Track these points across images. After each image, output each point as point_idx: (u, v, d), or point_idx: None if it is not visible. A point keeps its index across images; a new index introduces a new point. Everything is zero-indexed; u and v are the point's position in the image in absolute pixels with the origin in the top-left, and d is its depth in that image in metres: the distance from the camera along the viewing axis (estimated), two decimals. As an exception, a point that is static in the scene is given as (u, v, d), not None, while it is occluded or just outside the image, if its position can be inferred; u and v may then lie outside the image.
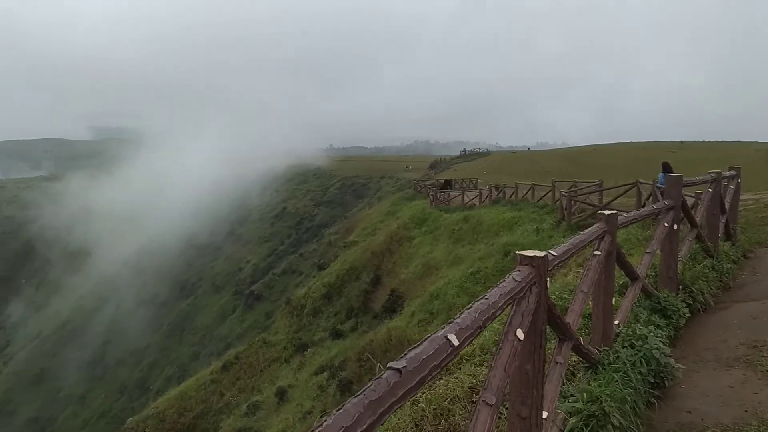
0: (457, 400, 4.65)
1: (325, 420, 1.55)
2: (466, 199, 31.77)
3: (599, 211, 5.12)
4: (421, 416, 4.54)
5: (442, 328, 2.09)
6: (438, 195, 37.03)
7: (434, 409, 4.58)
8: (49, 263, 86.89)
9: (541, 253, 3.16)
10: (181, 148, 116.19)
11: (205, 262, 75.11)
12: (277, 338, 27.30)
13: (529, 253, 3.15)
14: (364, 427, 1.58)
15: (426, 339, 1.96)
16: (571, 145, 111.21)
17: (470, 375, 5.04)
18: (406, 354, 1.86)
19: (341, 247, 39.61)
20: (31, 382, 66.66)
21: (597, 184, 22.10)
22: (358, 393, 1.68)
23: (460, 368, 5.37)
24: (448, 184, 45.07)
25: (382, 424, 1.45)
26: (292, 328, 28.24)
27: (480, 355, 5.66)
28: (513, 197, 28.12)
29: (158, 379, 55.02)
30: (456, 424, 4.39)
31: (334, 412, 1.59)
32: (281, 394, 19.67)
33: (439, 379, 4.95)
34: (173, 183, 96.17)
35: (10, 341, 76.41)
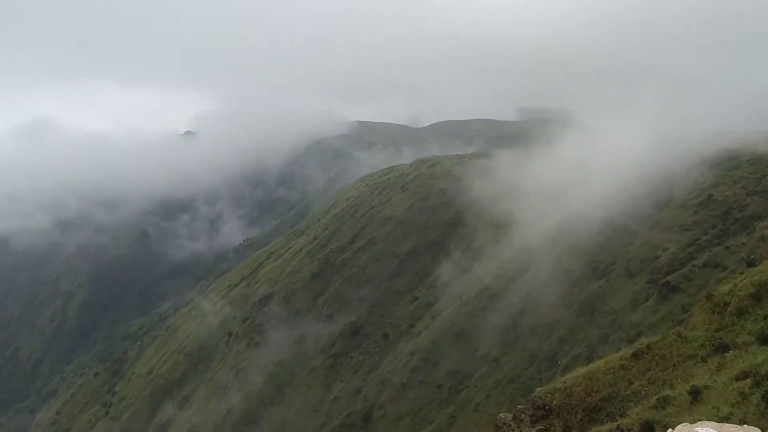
0: None
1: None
2: None
3: None
4: None
5: None
6: None
7: None
8: (475, 232, 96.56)
9: None
10: (607, 129, 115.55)
11: (619, 244, 74.08)
12: (694, 334, 25.74)
13: None
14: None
15: None
16: None
17: None
18: None
19: (781, 243, 34.93)
20: (453, 339, 75.59)
21: None
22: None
23: None
24: None
25: None
26: (712, 326, 26.23)
27: None
28: None
29: (566, 355, 56.96)
30: None
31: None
32: (695, 394, 18.72)
33: None
34: (596, 163, 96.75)
35: (438, 299, 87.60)
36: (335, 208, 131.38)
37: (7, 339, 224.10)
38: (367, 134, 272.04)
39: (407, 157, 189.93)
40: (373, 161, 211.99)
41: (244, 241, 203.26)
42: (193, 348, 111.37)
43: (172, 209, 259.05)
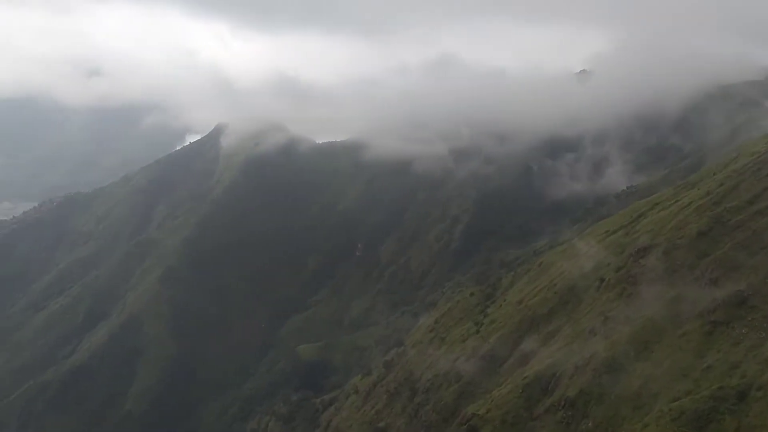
0: None
1: None
2: None
3: None
4: None
5: None
6: None
7: None
8: None
9: None
10: None
11: None
12: None
13: None
14: None
15: None
16: None
17: None
18: None
19: None
20: None
21: None
22: None
23: None
24: None
25: None
26: None
27: None
28: None
29: None
30: None
31: None
32: None
33: None
34: None
35: None
36: (735, 162, 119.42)
37: (401, 248, 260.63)
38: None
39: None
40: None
41: (627, 187, 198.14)
42: (563, 287, 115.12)
43: (557, 147, 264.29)
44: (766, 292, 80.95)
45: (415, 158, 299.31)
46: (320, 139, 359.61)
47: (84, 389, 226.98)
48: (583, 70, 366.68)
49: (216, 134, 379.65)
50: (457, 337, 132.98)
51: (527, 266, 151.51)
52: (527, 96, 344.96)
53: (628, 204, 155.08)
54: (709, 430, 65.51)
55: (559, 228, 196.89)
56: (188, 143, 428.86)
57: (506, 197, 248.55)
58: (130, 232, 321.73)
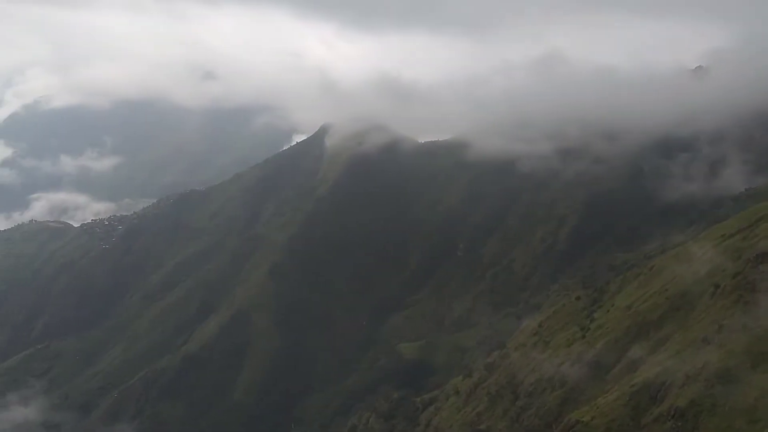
0: None
1: None
2: None
3: None
4: None
5: None
6: None
7: None
8: None
9: None
10: None
11: None
12: None
13: None
14: None
15: None
16: None
17: None
18: None
19: None
20: None
21: None
22: None
23: None
24: None
25: None
26: None
27: None
28: None
29: None
30: None
31: None
32: None
33: None
34: None
35: None
36: None
37: (504, 249, 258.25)
38: None
39: None
40: None
41: (746, 189, 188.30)
42: (675, 293, 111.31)
43: (670, 147, 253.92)
44: None
45: (519, 158, 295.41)
46: (423, 139, 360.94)
47: (195, 378, 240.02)
48: (700, 67, 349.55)
49: (321, 134, 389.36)
50: (562, 342, 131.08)
51: (637, 270, 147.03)
52: (639, 93, 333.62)
53: (746, 207, 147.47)
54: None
55: (670, 231, 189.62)
56: (295, 143, 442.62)
57: (615, 199, 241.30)
58: (240, 228, 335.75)
